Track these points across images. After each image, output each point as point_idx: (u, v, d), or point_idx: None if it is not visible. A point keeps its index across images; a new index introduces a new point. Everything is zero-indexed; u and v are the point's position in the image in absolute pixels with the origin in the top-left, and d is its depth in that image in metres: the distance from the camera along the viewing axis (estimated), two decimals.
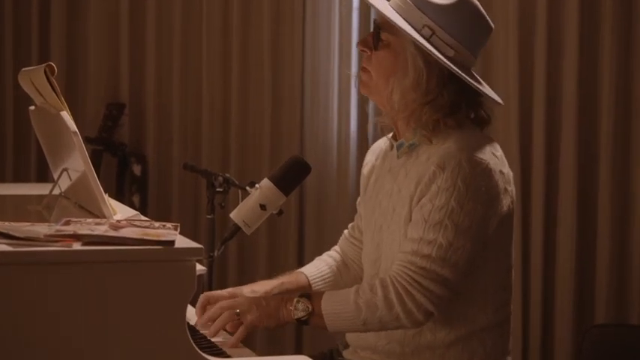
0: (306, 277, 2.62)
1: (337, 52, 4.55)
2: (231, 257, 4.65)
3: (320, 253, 2.78)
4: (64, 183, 2.60)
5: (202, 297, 2.49)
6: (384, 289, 2.30)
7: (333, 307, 2.32)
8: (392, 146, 2.48)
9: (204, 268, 2.96)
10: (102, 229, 2.02)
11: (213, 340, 2.31)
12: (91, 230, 2.01)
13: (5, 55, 4.86)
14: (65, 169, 2.53)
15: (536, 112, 4.17)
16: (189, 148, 4.77)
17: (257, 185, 2.53)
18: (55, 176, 2.64)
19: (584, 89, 4.12)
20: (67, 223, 2.08)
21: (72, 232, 1.99)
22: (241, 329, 2.31)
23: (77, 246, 1.95)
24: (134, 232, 2.02)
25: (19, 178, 4.81)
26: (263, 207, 2.51)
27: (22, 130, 4.80)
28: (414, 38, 2.32)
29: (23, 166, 4.87)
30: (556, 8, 4.14)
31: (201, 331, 2.36)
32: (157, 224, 2.13)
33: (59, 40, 4.83)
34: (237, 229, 2.60)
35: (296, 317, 2.33)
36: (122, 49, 4.82)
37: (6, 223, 2.05)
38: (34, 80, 2.43)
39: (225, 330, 2.36)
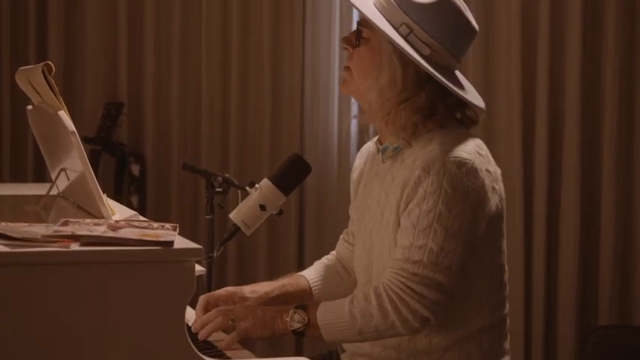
0: (307, 281, 2.61)
1: (337, 52, 4.55)
2: (231, 258, 4.64)
3: (320, 253, 2.77)
4: (61, 183, 2.58)
5: (202, 298, 2.47)
6: (378, 297, 2.28)
7: (329, 318, 2.31)
8: (378, 150, 2.47)
9: (203, 268, 2.95)
10: (100, 230, 2.02)
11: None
12: (90, 231, 2.00)
13: (2, 53, 4.84)
14: (63, 169, 2.52)
15: (539, 110, 4.16)
16: (188, 148, 4.77)
17: (257, 185, 2.52)
18: (53, 176, 2.63)
19: (587, 86, 4.12)
20: (65, 223, 2.07)
21: (70, 233, 1.98)
22: (233, 335, 2.29)
23: (75, 247, 1.94)
24: (133, 232, 2.01)
25: (16, 178, 4.80)
26: (263, 207, 2.50)
27: (19, 129, 4.79)
28: (387, 35, 2.31)
29: (20, 166, 4.86)
30: (559, 4, 4.13)
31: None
32: (155, 225, 2.12)
33: (57, 39, 4.82)
34: (236, 229, 2.59)
35: (292, 329, 2.32)
36: (121, 48, 4.81)
37: (3, 224, 2.04)
38: (32, 79, 2.42)
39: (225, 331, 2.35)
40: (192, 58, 4.77)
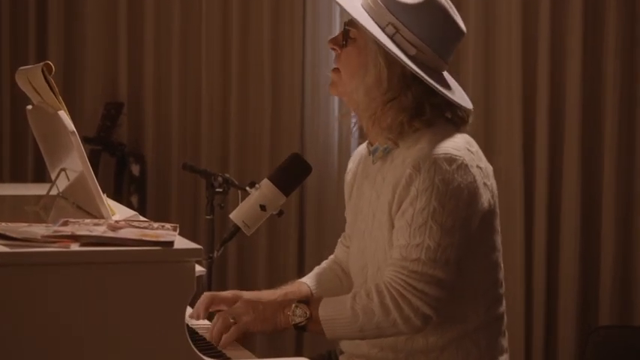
0: (308, 287, 2.61)
1: None
2: (231, 258, 4.63)
3: (320, 254, 2.77)
4: (61, 183, 2.58)
5: (205, 296, 2.47)
6: (380, 294, 2.28)
7: (331, 313, 2.31)
8: (369, 151, 2.47)
9: (203, 269, 2.95)
10: (100, 230, 2.01)
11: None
12: (90, 231, 2.00)
13: (2, 53, 4.84)
14: (63, 169, 2.52)
15: (540, 113, 4.16)
16: (188, 148, 4.77)
17: (257, 185, 2.51)
18: (53, 176, 2.63)
19: (588, 89, 4.11)
20: (65, 223, 2.07)
21: (70, 233, 1.98)
22: (233, 329, 2.29)
23: (75, 247, 1.94)
24: (133, 232, 2.01)
25: (16, 178, 4.80)
26: (263, 207, 2.50)
27: (19, 129, 4.79)
28: (373, 34, 2.32)
29: (20, 166, 4.86)
30: (559, 7, 4.13)
31: (200, 333, 2.35)
32: (155, 225, 2.12)
33: (57, 39, 4.82)
34: (236, 229, 2.59)
35: (294, 323, 2.32)
36: (121, 48, 4.81)
37: (3, 224, 2.04)
38: (32, 79, 2.42)
39: None
40: (192, 58, 4.77)
